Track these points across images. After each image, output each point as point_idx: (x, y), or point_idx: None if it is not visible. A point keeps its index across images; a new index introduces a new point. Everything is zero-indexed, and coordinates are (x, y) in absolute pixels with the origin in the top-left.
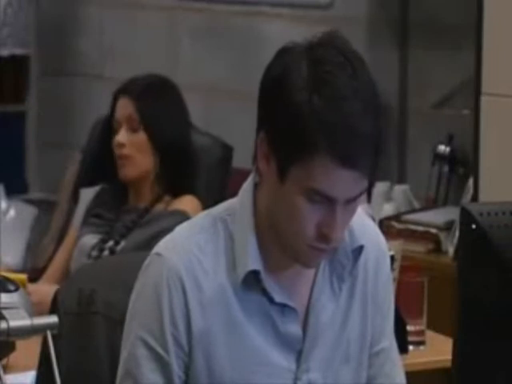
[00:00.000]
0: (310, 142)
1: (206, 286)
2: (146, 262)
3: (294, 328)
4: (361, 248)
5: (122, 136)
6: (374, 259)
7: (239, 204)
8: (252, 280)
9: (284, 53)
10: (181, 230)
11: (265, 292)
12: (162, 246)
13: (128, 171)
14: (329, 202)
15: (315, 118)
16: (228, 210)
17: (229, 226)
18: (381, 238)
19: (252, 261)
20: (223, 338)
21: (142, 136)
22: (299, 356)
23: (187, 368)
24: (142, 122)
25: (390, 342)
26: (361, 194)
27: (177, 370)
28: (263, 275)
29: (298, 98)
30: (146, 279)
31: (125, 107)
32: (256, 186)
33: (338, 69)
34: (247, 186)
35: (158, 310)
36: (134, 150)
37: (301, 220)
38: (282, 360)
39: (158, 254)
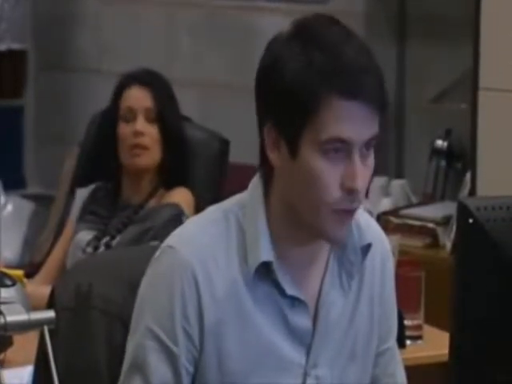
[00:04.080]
0: (314, 91)
1: (218, 279)
2: (157, 253)
3: (304, 321)
4: (369, 245)
5: (141, 125)
6: (380, 257)
7: (250, 198)
8: (264, 272)
9: (271, 42)
10: (192, 223)
11: (276, 284)
12: (173, 238)
13: (142, 161)
14: (345, 151)
15: (314, 70)
16: (239, 203)
17: (240, 219)
18: (385, 237)
19: (264, 252)
20: (235, 331)
21: (156, 128)
22: (309, 350)
23: (197, 361)
24: (159, 115)
25: (394, 340)
26: (373, 140)
27: (185, 363)
28: (275, 267)
29: (293, 66)
30: (158, 271)
31: (143, 98)
32: (266, 182)
33: (325, 26)
34: (257, 180)
35: (170, 302)
36: (150, 141)
37: (323, 183)
38: (293, 353)
39: (170, 247)
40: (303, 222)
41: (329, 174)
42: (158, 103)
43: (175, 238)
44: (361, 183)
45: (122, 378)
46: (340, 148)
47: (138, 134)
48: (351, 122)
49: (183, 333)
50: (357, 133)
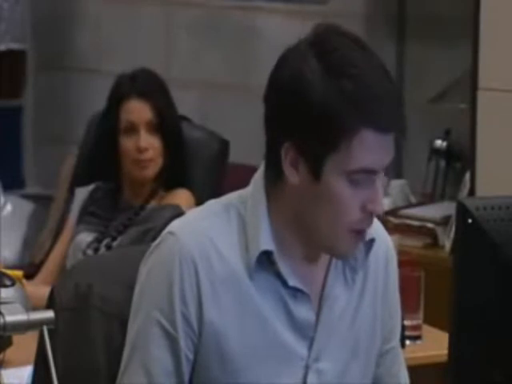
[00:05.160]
0: (347, 125)
1: (219, 266)
2: (158, 240)
3: (306, 313)
4: (372, 241)
5: (144, 140)
6: (383, 255)
7: (251, 193)
8: (265, 262)
9: (287, 57)
10: (193, 213)
11: (278, 275)
12: (174, 225)
13: (147, 173)
14: (370, 177)
15: (345, 101)
16: (240, 198)
17: (241, 212)
18: (388, 236)
19: (265, 242)
20: (236, 319)
21: (158, 138)
22: (311, 343)
23: (196, 348)
24: (161, 126)
25: (397, 340)
26: (390, 163)
27: (185, 350)
28: (276, 257)
29: (320, 91)
30: (158, 256)
31: (142, 110)
32: (270, 182)
33: (346, 49)
34: (259, 176)
35: (169, 287)
36: (154, 153)
37: (346, 209)
38: (295, 344)
39: (171, 233)
40: (312, 238)
41: (351, 198)
42: (157, 114)
43: (176, 225)
44: (381, 205)
45: (123, 362)
46: (366, 176)
47: (142, 149)
48: (380, 153)
49: (182, 318)
50: (383, 162)
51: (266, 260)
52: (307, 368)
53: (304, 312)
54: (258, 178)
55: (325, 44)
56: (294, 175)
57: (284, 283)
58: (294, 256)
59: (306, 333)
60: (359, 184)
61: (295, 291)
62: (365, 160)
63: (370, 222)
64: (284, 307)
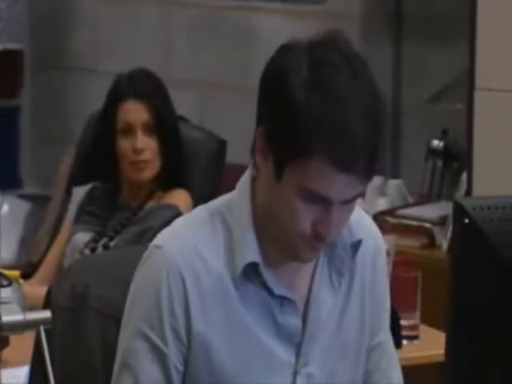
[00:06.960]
0: (305, 144)
1: (206, 277)
2: (145, 253)
3: (293, 321)
4: (359, 242)
5: (141, 142)
6: (371, 252)
7: (237, 197)
8: (251, 272)
9: (284, 50)
10: (179, 223)
11: (264, 285)
12: (161, 238)
13: (144, 175)
14: (325, 202)
15: (312, 120)
16: (226, 203)
17: (226, 218)
18: (377, 231)
19: (251, 253)
20: (223, 330)
21: (155, 140)
22: (298, 349)
23: (186, 360)
24: (158, 127)
25: (386, 336)
26: (357, 197)
27: (175, 362)
28: (262, 268)
29: (296, 97)
30: (146, 271)
31: (139, 112)
32: (254, 179)
33: (337, 70)
34: (245, 179)
35: (157, 301)
36: (151, 154)
37: (296, 218)
38: (282, 352)
39: (158, 247)
40: (277, 241)
41: (304, 213)
42: (154, 115)
43: (163, 237)
44: (334, 233)
45: (113, 376)
46: (320, 200)
47: (138, 150)
48: (333, 185)
49: (171, 331)
50: (337, 195)
51: (251, 270)
52: (295, 374)
53: (291, 319)
54: (244, 181)
55: (321, 54)
56: (262, 161)
57: (270, 292)
58: (279, 263)
59: (293, 339)
60: (314, 204)
61: (281, 299)
62: (319, 186)
63: (322, 242)
64: (271, 316)
